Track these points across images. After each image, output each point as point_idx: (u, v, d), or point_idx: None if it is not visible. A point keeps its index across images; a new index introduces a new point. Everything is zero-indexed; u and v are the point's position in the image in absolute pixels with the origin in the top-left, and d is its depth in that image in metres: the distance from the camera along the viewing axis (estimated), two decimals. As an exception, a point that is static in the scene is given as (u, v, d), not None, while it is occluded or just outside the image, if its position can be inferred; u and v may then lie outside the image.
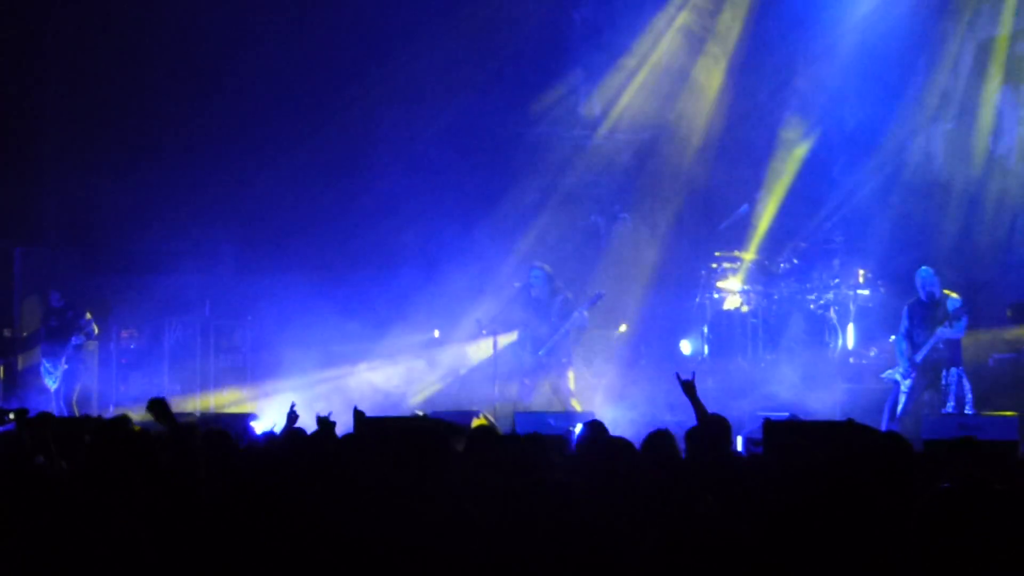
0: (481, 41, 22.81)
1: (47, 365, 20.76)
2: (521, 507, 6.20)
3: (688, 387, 10.46)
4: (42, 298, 21.58)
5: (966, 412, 16.40)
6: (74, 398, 20.69)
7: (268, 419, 15.93)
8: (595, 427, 9.64)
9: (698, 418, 9.98)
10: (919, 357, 16.84)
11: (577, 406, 18.57)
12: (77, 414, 19.78)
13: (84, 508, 7.14)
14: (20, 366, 22.15)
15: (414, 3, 23.25)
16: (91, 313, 20.92)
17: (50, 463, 8.99)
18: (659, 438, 8.73)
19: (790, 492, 6.23)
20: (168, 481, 7.55)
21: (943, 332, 16.69)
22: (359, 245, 22.69)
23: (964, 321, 16.77)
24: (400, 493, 6.52)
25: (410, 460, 6.85)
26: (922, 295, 16.98)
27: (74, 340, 20.61)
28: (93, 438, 8.80)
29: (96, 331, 20.96)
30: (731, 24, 22.65)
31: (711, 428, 9.33)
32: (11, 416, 12.42)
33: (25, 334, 22.48)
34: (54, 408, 20.16)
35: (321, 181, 23.23)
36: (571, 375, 18.90)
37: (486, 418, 15.56)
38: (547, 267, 19.09)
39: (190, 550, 6.19)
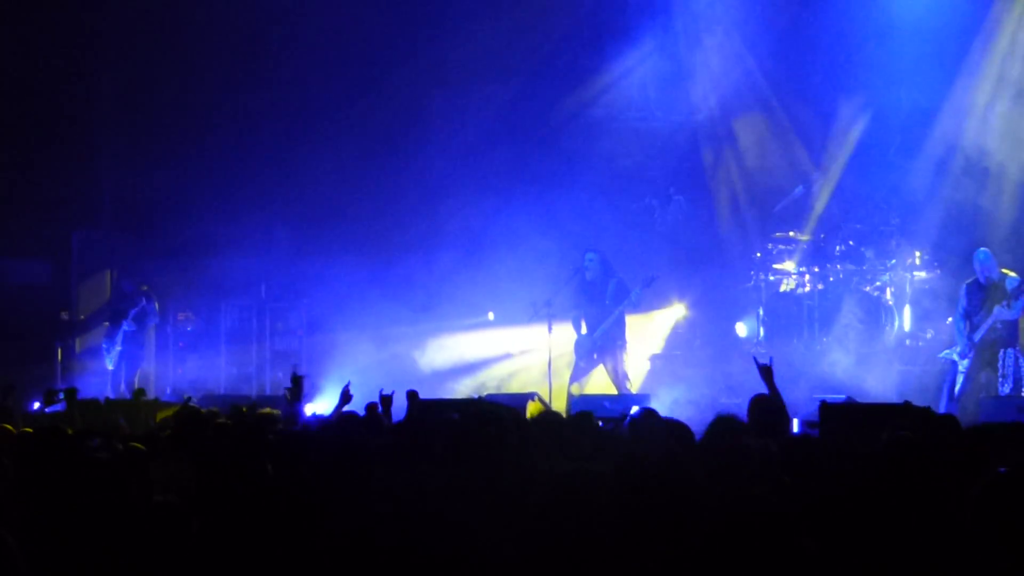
0: (534, 21, 22.75)
1: (105, 346, 20.93)
2: (577, 492, 6.17)
3: (766, 371, 10.37)
4: (111, 281, 21.76)
5: (1023, 393, 16.33)
6: (135, 380, 20.83)
7: (322, 401, 15.98)
8: (648, 413, 9.57)
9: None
10: (977, 336, 16.76)
11: (633, 389, 18.59)
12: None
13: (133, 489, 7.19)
14: (78, 348, 22.33)
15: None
16: (156, 299, 21.09)
17: (105, 446, 9.01)
18: (724, 423, 8.69)
19: (847, 475, 6.18)
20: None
21: (1000, 312, 16.60)
22: (411, 227, 22.71)
23: (1022, 301, 16.66)
24: (455, 481, 6.48)
25: (468, 446, 6.81)
26: (980, 277, 16.92)
27: (125, 325, 20.76)
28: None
29: (157, 316, 21.12)
30: (786, 4, 22.52)
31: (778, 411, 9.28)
32: (61, 396, 12.54)
33: (82, 317, 22.65)
34: (111, 390, 20.34)
35: (373, 163, 23.25)
36: (626, 357, 18.91)
37: (541, 401, 15.58)
38: (601, 251, 19.10)
39: (233, 535, 6.18)
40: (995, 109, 21.23)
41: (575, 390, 18.58)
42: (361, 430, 9.23)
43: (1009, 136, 21.01)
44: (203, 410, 11.43)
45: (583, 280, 19.06)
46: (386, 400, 10.75)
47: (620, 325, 18.81)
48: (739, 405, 10.03)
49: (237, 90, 23.30)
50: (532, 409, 13.47)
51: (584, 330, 18.91)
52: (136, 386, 20.68)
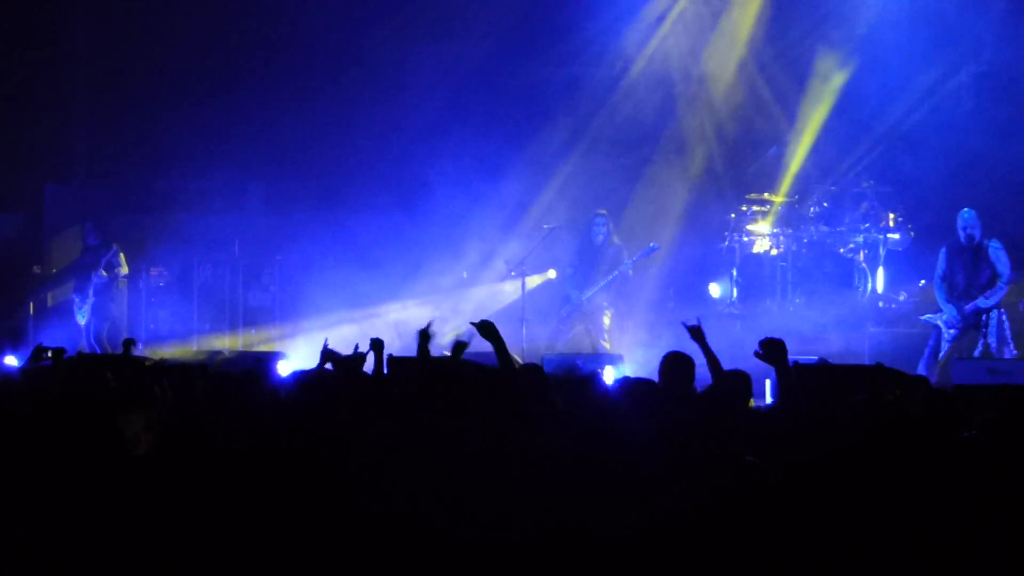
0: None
1: (77, 300, 20.85)
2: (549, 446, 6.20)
3: (695, 332, 10.24)
4: (78, 233, 21.67)
5: (1005, 352, 16.40)
6: (104, 335, 20.77)
7: (296, 359, 15.98)
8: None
9: (711, 368, 9.86)
10: (969, 308, 16.76)
11: (607, 346, 18.65)
12: (108, 351, 19.89)
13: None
14: (50, 302, 22.28)
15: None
16: (123, 251, 20.98)
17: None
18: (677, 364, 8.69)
19: (817, 437, 6.23)
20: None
21: (991, 295, 16.61)
22: (387, 184, 22.67)
23: (1000, 291, 16.69)
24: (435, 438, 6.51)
25: (447, 404, 6.83)
26: (961, 237, 16.89)
27: (95, 278, 20.67)
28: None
29: (125, 268, 21.02)
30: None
31: (728, 387, 9.24)
32: (49, 355, 12.54)
33: (55, 270, 22.58)
34: (84, 344, 20.30)
35: (349, 120, 23.19)
36: (607, 317, 19.00)
37: (515, 359, 15.59)
38: (607, 214, 19.25)
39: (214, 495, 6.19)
40: (971, 69, 21.27)
41: (549, 349, 18.64)
42: (337, 383, 9.23)
43: (988, 96, 21.06)
44: (176, 365, 11.44)
45: (587, 240, 19.16)
46: (377, 344, 10.76)
47: (608, 290, 18.96)
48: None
49: (212, 45, 23.21)
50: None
51: (575, 287, 19.02)
52: (104, 341, 20.65)
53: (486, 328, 9.34)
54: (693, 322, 10.33)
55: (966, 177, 20.21)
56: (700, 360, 9.87)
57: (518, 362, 10.60)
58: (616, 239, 19.16)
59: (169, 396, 8.74)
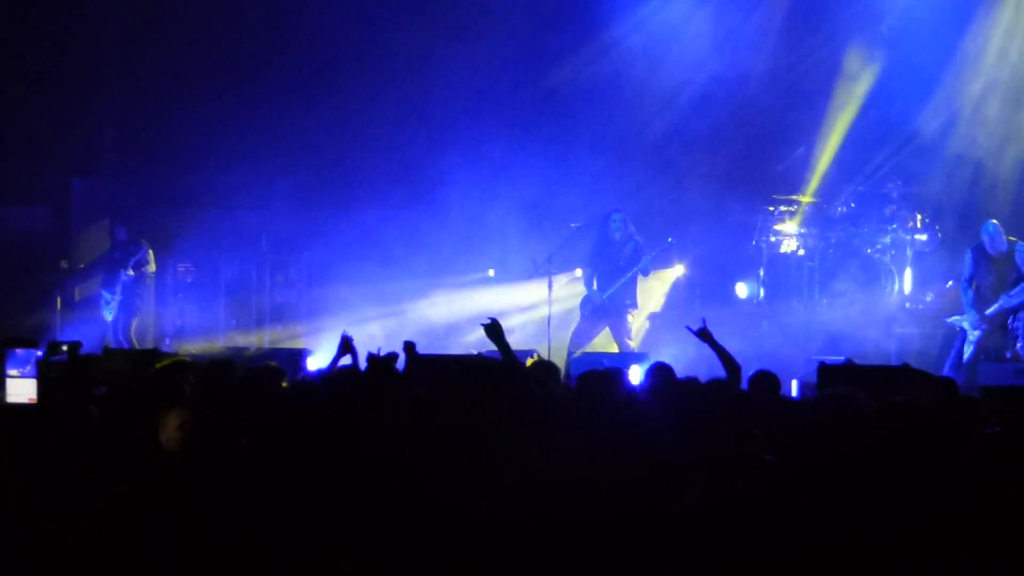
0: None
1: (105, 295, 20.96)
2: (582, 447, 6.23)
3: (704, 335, 10.38)
4: (109, 230, 21.76)
5: (1025, 355, 16.44)
6: (132, 330, 20.88)
7: (323, 355, 16.04)
8: (662, 371, 9.54)
9: (723, 364, 9.93)
10: (991, 311, 16.77)
11: (633, 345, 18.68)
12: (136, 347, 19.99)
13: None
14: (77, 297, 22.37)
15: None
16: (152, 249, 21.09)
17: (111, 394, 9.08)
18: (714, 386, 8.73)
19: (842, 435, 6.25)
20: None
21: (1018, 293, 16.62)
22: (414, 182, 22.72)
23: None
24: (458, 436, 6.52)
25: (469, 400, 6.84)
26: (988, 248, 16.92)
27: (122, 275, 20.77)
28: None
29: (152, 266, 21.12)
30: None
31: (757, 387, 9.32)
32: (64, 348, 12.60)
33: (82, 265, 22.68)
34: (111, 340, 20.39)
35: (377, 117, 23.24)
36: (631, 318, 19.00)
37: (539, 358, 15.64)
38: (625, 212, 19.20)
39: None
40: (1000, 71, 21.24)
41: (575, 348, 18.65)
42: (358, 383, 9.25)
43: (1016, 96, 21.05)
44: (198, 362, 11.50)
45: (604, 239, 19.09)
46: (409, 347, 10.82)
47: (631, 287, 18.91)
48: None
49: (239, 41, 23.26)
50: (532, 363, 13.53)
51: (595, 288, 18.98)
52: (132, 336, 20.76)
53: (491, 329, 9.42)
54: (697, 327, 10.44)
55: (991, 181, 20.23)
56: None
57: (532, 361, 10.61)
58: (635, 237, 19.10)
59: (194, 393, 8.81)
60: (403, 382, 8.74)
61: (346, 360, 10.89)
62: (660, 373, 9.26)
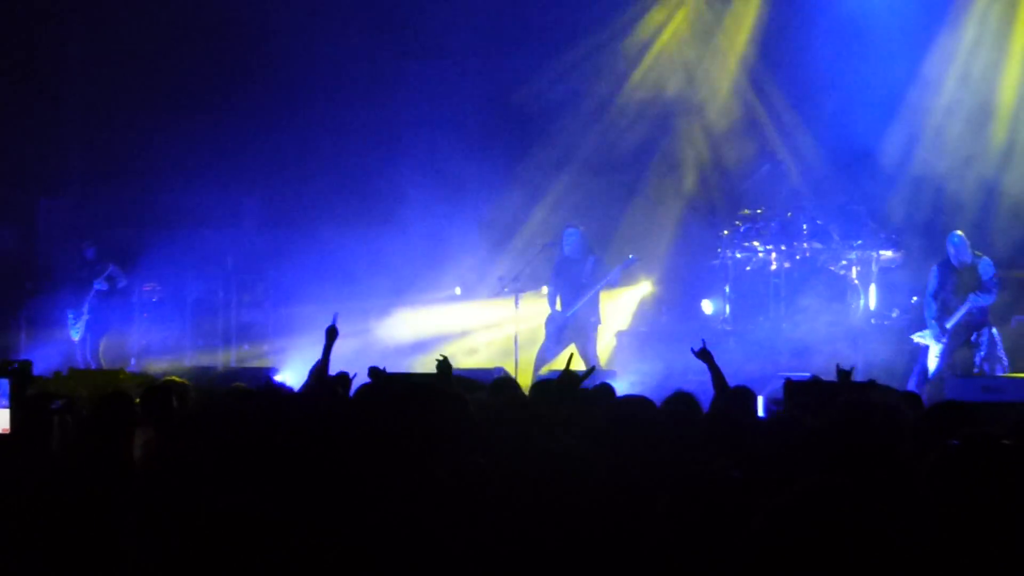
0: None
1: (71, 315, 20.85)
2: (534, 466, 6.21)
3: (704, 355, 10.42)
4: (75, 250, 21.65)
5: (998, 369, 16.46)
6: (100, 350, 20.79)
7: (289, 374, 16.00)
8: (603, 390, 9.56)
9: (716, 386, 9.95)
10: (950, 323, 16.83)
11: (601, 364, 18.64)
12: (103, 366, 19.91)
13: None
14: (44, 318, 22.25)
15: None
16: (120, 266, 21.01)
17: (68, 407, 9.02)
18: (679, 402, 8.72)
19: (807, 451, 6.26)
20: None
21: (976, 299, 16.69)
22: (380, 200, 22.69)
23: (995, 288, 16.79)
24: (403, 455, 6.49)
25: (418, 420, 6.80)
26: (953, 260, 16.99)
27: (96, 285, 20.67)
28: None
29: (125, 279, 21.03)
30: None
31: (733, 402, 9.33)
32: (15, 367, 12.54)
33: (48, 285, 22.56)
34: (79, 359, 20.30)
35: (346, 136, 23.22)
36: (597, 333, 18.96)
37: (507, 376, 15.61)
38: (581, 227, 19.12)
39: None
40: (962, 86, 21.37)
41: (543, 371, 18.59)
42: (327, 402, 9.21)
43: (975, 112, 21.17)
44: (171, 381, 11.44)
45: (561, 256, 19.05)
46: (331, 332, 10.78)
47: (595, 303, 18.81)
48: (702, 384, 10.12)
49: (207, 61, 23.21)
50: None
51: (559, 306, 18.91)
52: (101, 356, 20.67)
53: (441, 366, 9.51)
54: (699, 346, 10.49)
55: (955, 201, 20.35)
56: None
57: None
58: (595, 252, 19.06)
59: (162, 413, 8.77)
60: (344, 404, 8.70)
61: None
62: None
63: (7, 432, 9.86)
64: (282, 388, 9.71)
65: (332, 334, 10.73)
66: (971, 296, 16.71)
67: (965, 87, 21.27)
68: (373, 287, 21.66)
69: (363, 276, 21.63)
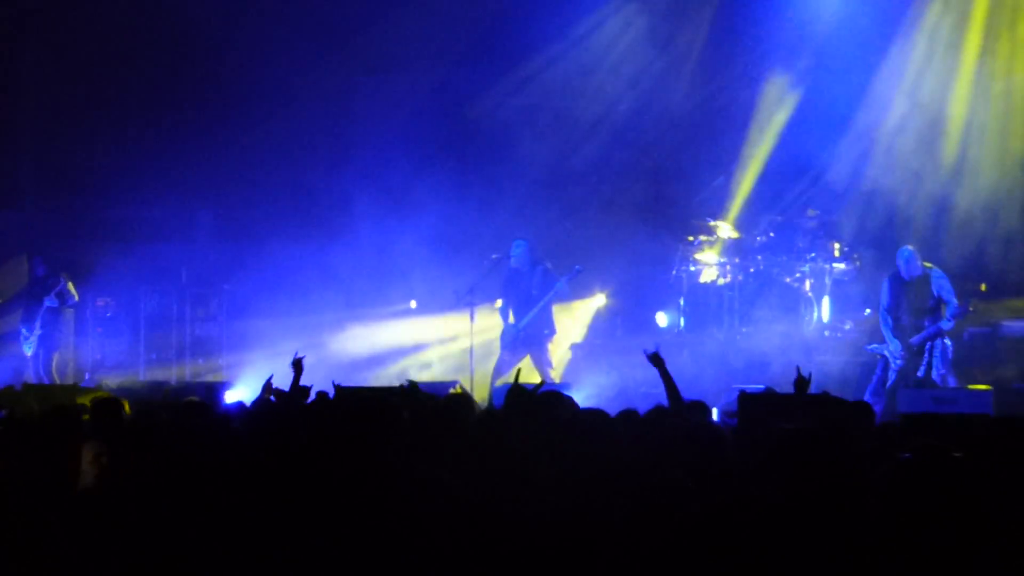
0: (462, 8, 22.72)
1: (24, 331, 20.71)
2: (488, 481, 6.21)
3: (655, 360, 10.38)
4: (27, 265, 21.48)
5: (950, 381, 16.53)
6: (53, 365, 20.65)
7: (243, 388, 15.94)
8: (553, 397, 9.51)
9: (668, 395, 9.94)
10: (915, 341, 16.88)
11: (556, 378, 18.65)
12: (56, 381, 19.78)
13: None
14: (-5, 334, 22.11)
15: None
16: (71, 281, 20.86)
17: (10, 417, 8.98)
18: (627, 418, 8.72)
19: (761, 463, 6.27)
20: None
21: (947, 324, 16.75)
22: (335, 215, 22.64)
23: (958, 310, 16.84)
24: (349, 467, 6.48)
25: (360, 432, 6.80)
26: (903, 273, 17.06)
27: (47, 302, 20.54)
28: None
29: (75, 297, 20.90)
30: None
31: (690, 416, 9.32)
32: None
33: (1, 301, 22.41)
34: (31, 375, 20.16)
35: (299, 150, 23.20)
36: (551, 347, 18.97)
37: (462, 389, 15.60)
38: (528, 239, 19.15)
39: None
40: (914, 101, 21.51)
41: (497, 379, 18.59)
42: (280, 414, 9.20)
43: (928, 127, 21.31)
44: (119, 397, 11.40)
45: (509, 269, 19.07)
46: (297, 364, 10.87)
47: (547, 314, 18.84)
48: (660, 394, 10.11)
49: (160, 74, 23.13)
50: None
51: (512, 320, 18.92)
52: (54, 371, 20.54)
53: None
54: (652, 349, 10.45)
55: (905, 215, 20.48)
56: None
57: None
58: (543, 263, 19.08)
59: (117, 428, 8.73)
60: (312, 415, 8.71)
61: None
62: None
63: None
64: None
65: (298, 366, 10.85)
66: (941, 322, 16.76)
67: (915, 104, 21.40)
68: (325, 300, 21.67)
69: (315, 289, 21.63)
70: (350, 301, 22.00)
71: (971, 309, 17.15)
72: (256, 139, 22.94)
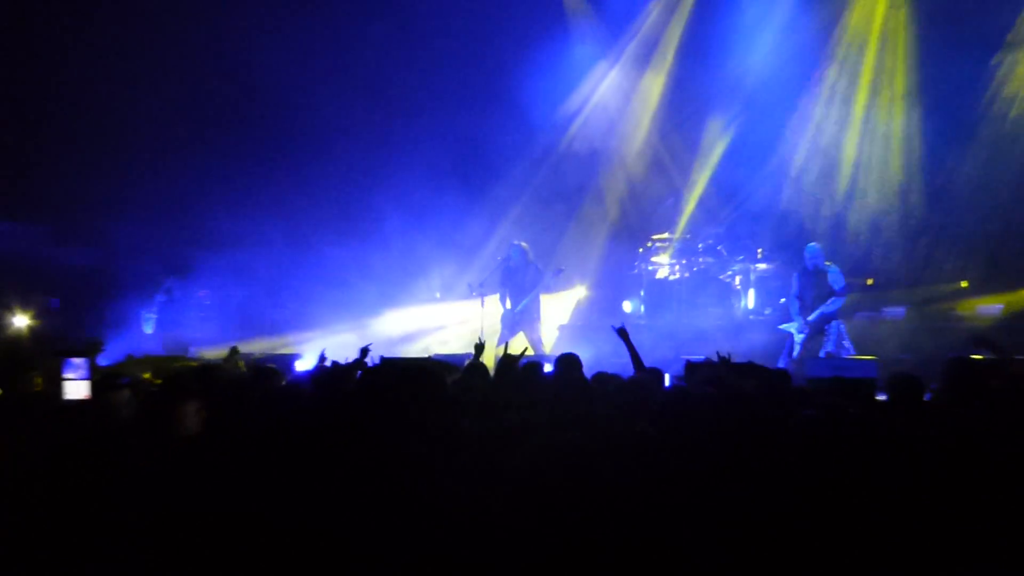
0: (470, 68, 22.65)
1: (144, 315, 20.96)
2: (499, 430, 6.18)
3: (622, 333, 10.44)
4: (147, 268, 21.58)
5: (843, 352, 16.50)
6: (165, 340, 20.82)
7: (308, 359, 15.92)
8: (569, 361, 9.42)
9: (633, 360, 9.97)
10: (811, 318, 16.86)
11: (546, 350, 18.67)
12: (169, 353, 19.82)
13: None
14: (118, 319, 22.04)
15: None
16: (178, 278, 21.13)
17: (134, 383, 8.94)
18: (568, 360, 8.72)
19: (702, 418, 6.27)
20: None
21: (834, 302, 16.70)
22: (373, 226, 22.59)
23: (845, 295, 16.83)
24: (398, 428, 6.38)
25: (410, 394, 6.73)
26: (808, 265, 17.04)
27: (157, 299, 20.77)
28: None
29: (179, 292, 21.07)
30: (669, 43, 22.70)
31: (648, 378, 9.34)
32: (92, 344, 12.46)
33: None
34: (149, 349, 20.17)
35: (345, 176, 23.06)
36: (540, 327, 19.01)
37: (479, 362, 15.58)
38: (524, 244, 19.18)
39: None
40: (822, 134, 21.52)
41: (499, 351, 18.53)
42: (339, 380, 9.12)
43: (831, 156, 21.34)
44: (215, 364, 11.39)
45: (508, 266, 19.10)
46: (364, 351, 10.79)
47: (536, 302, 18.89)
48: (627, 363, 10.13)
49: (245, 122, 22.88)
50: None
51: (508, 305, 18.94)
52: (164, 346, 20.60)
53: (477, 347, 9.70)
54: (619, 325, 10.48)
55: (811, 230, 20.54)
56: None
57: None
58: (535, 263, 19.11)
59: (213, 388, 8.70)
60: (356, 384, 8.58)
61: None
62: (566, 362, 9.28)
63: (89, 399, 9.88)
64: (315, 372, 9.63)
65: (364, 351, 10.74)
66: (830, 300, 16.75)
67: (817, 144, 21.45)
68: (366, 292, 21.72)
69: (358, 283, 21.66)
70: (384, 292, 22.02)
71: (856, 293, 17.14)
72: (313, 169, 22.85)
